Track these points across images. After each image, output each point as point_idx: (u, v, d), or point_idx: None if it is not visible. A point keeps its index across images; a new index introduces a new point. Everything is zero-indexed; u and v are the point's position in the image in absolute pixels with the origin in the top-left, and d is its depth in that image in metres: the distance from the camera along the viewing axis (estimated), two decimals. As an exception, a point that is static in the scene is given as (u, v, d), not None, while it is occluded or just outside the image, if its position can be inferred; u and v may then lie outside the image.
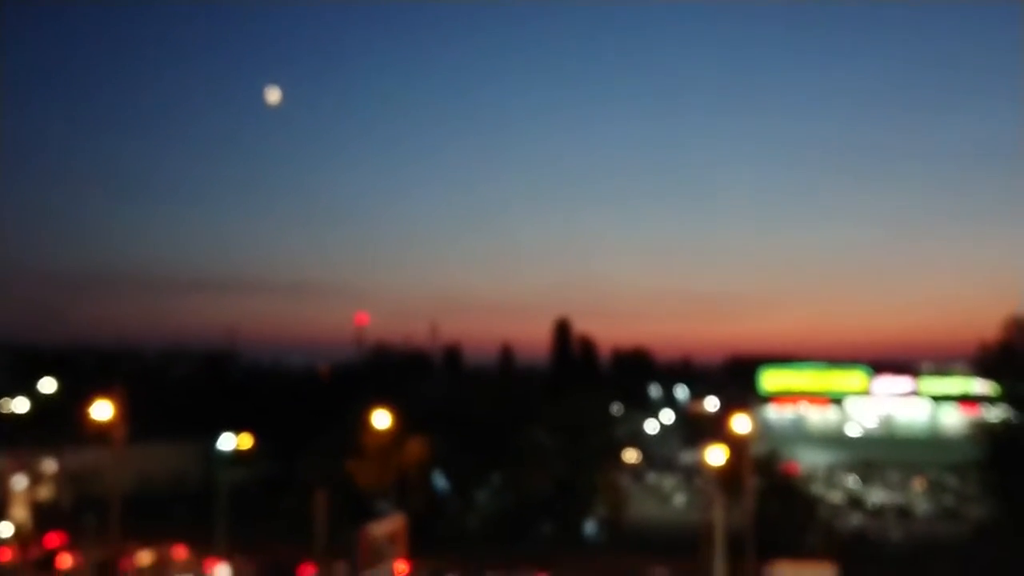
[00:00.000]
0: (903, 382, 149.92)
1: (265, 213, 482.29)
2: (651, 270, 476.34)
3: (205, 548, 65.49)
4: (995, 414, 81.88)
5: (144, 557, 68.48)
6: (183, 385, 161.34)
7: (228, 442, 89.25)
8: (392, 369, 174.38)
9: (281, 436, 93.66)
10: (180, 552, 70.37)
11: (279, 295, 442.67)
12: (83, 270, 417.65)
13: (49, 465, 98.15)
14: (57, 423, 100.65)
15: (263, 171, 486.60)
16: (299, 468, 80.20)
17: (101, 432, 78.46)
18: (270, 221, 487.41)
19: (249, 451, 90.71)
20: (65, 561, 66.48)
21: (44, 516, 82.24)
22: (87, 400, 78.89)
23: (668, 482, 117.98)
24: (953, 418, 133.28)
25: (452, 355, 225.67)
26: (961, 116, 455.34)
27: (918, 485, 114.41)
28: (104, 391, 77.31)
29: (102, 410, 74.16)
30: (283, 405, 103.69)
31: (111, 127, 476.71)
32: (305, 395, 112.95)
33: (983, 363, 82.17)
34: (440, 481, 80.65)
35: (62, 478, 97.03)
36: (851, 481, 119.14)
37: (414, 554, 67.54)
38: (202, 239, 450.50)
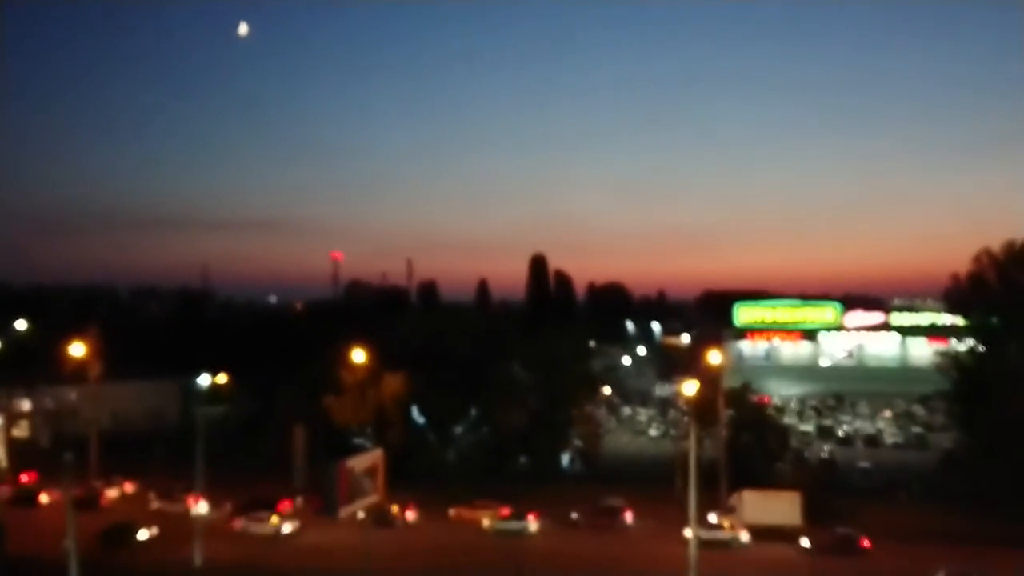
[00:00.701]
0: (874, 316, 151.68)
1: (239, 151, 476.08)
2: (626, 205, 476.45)
3: (182, 484, 65.68)
4: (964, 346, 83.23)
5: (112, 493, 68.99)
6: (158, 323, 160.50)
7: (205, 380, 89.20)
8: (368, 306, 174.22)
9: (259, 374, 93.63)
10: (127, 487, 70.72)
11: (253, 233, 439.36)
12: (54, 209, 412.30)
13: (24, 404, 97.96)
14: (31, 363, 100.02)
15: (236, 108, 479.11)
16: (277, 405, 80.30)
17: (76, 371, 78.36)
18: (244, 158, 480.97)
19: (226, 388, 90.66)
20: (44, 498, 66.60)
21: (21, 454, 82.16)
22: (61, 339, 78.42)
23: (643, 415, 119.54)
24: (923, 351, 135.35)
25: (428, 292, 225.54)
26: (931, 52, 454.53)
27: (888, 416, 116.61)
28: (78, 330, 76.96)
29: (76, 349, 73.92)
30: (260, 343, 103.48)
31: (82, 66, 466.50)
32: (281, 333, 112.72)
33: (953, 296, 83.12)
34: (418, 416, 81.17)
35: (38, 417, 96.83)
36: (820, 412, 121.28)
37: (391, 488, 68.40)
38: (175, 177, 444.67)
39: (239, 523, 59.90)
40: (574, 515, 61.54)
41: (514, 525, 59.87)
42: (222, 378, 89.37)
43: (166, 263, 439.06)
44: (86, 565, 37.31)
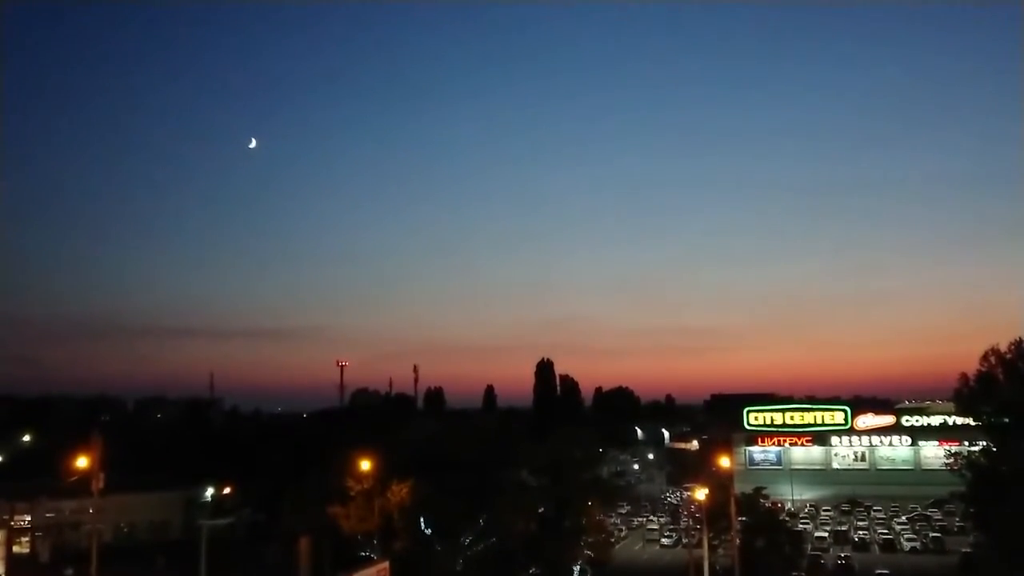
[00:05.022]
0: (885, 418, 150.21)
1: (245, 260, 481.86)
2: (629, 308, 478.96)
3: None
4: (976, 447, 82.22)
5: None
6: (164, 432, 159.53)
7: (209, 491, 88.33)
8: (374, 413, 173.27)
9: (264, 482, 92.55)
10: None
11: (260, 341, 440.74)
12: (60, 318, 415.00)
13: (25, 517, 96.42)
14: (35, 474, 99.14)
15: (243, 218, 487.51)
16: (283, 514, 79.14)
17: (78, 482, 77.41)
18: (250, 267, 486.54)
19: (231, 498, 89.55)
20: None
21: (21, 570, 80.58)
22: (65, 450, 77.67)
23: (655, 522, 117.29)
24: (935, 452, 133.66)
25: (434, 397, 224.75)
26: (931, 150, 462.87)
27: (903, 520, 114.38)
28: (82, 441, 76.34)
29: (79, 460, 73.15)
30: (266, 451, 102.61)
31: (89, 174, 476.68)
32: (288, 441, 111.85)
33: (963, 396, 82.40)
34: (424, 525, 79.77)
35: (39, 530, 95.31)
36: (835, 516, 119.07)
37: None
38: (182, 285, 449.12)
39: None
40: None
41: None
42: (226, 489, 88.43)
43: (174, 372, 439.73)
44: None
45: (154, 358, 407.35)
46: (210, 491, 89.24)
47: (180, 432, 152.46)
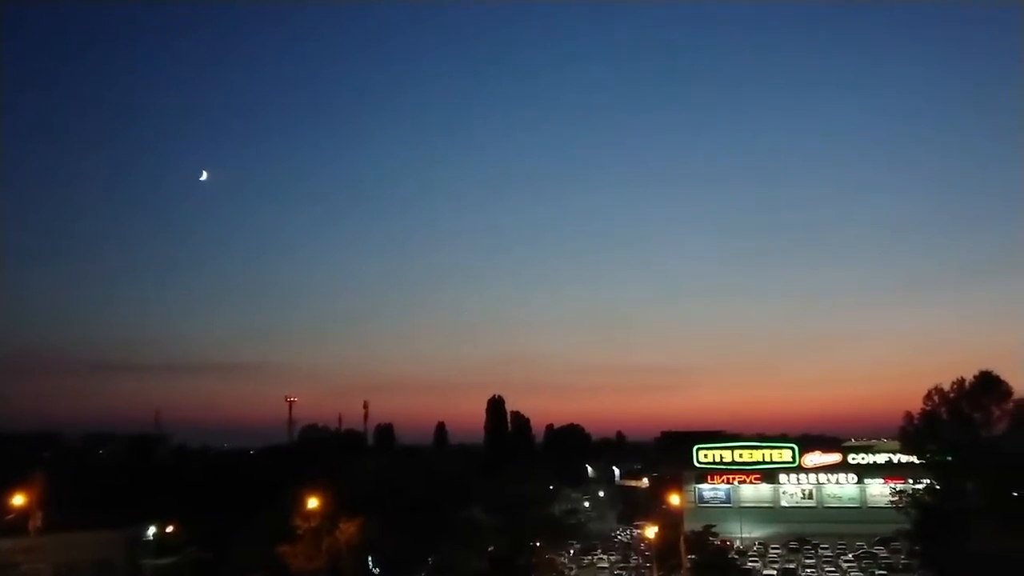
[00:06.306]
0: (832, 456, 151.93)
1: (193, 293, 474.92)
2: (581, 346, 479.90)
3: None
4: (921, 485, 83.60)
5: None
6: (108, 469, 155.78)
7: (152, 528, 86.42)
8: (324, 450, 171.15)
9: (211, 520, 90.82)
10: None
11: (207, 376, 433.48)
12: (3, 354, 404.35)
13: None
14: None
15: (191, 252, 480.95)
16: (230, 553, 77.72)
17: (16, 522, 75.21)
18: (198, 301, 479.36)
19: (175, 536, 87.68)
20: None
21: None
22: (4, 488, 75.62)
23: (606, 560, 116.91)
24: (881, 490, 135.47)
25: (385, 434, 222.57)
26: (880, 195, 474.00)
27: (850, 557, 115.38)
28: (23, 479, 74.39)
29: (17, 498, 71.29)
30: (213, 488, 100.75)
31: (32, 206, 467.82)
32: (235, 478, 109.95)
33: (908, 434, 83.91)
34: (374, 564, 78.87)
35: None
36: (784, 554, 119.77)
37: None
38: (127, 319, 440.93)
39: None
40: None
41: None
42: (170, 527, 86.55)
43: (120, 407, 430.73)
44: None
45: (100, 393, 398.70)
46: (152, 529, 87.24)
47: (124, 468, 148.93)
